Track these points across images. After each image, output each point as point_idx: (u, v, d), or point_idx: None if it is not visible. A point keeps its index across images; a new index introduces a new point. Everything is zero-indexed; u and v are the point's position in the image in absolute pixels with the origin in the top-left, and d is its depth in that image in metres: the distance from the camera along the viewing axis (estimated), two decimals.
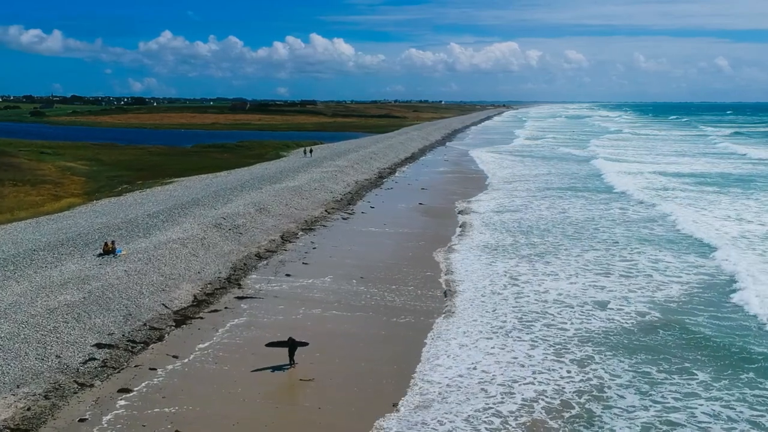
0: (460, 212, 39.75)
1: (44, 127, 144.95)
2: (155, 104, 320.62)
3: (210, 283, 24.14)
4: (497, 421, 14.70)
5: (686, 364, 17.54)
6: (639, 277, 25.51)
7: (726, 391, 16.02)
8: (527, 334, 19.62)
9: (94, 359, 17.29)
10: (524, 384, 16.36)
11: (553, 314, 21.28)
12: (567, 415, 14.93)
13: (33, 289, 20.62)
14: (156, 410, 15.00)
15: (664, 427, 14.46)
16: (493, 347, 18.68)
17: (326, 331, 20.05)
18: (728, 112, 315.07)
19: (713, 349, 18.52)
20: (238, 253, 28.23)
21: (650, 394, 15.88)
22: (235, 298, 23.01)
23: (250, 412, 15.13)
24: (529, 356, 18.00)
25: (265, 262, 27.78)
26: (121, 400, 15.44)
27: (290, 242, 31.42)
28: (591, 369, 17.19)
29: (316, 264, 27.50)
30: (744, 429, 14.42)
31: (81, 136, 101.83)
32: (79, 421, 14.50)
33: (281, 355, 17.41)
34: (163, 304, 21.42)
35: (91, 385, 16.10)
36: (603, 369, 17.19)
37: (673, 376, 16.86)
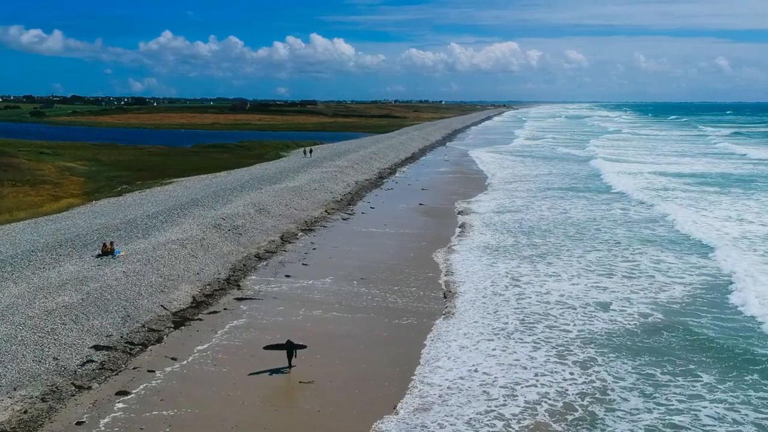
0: (460, 213, 39.60)
1: (44, 127, 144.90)
2: (155, 104, 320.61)
3: (209, 284, 23.98)
4: (500, 424, 14.53)
5: (690, 366, 17.37)
6: (641, 278, 25.36)
7: (730, 393, 15.87)
8: (529, 335, 19.46)
9: (92, 361, 17.13)
10: (527, 386, 16.19)
11: (555, 315, 21.12)
12: (570, 417, 14.76)
13: (31, 291, 20.46)
14: (154, 413, 14.85)
15: (668, 430, 14.30)
16: (494, 349, 18.52)
17: (326, 333, 19.89)
18: (728, 112, 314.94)
19: (717, 351, 18.36)
20: (237, 253, 28.07)
21: (654, 397, 15.72)
22: (235, 299, 22.85)
23: (249, 414, 14.96)
24: (532, 358, 17.84)
25: (264, 262, 27.62)
26: (119, 402, 15.28)
27: (290, 243, 31.27)
28: (594, 371, 17.03)
29: (316, 265, 27.34)
30: None
31: (81, 137, 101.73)
32: (76, 424, 14.34)
33: (280, 357, 17.24)
34: (161, 306, 21.26)
35: (89, 388, 15.94)
36: (606, 371, 17.03)
37: (677, 378, 16.69)
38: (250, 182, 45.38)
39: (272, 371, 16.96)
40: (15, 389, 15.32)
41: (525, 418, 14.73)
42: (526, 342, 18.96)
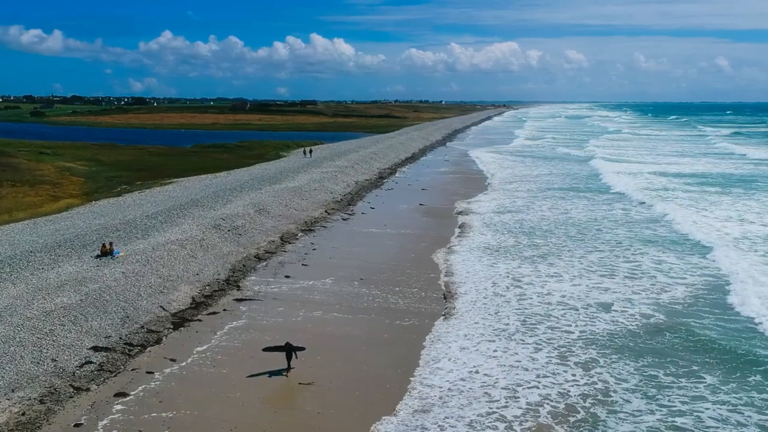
0: (461, 213, 39.48)
1: (44, 127, 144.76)
2: (155, 104, 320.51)
3: (208, 285, 23.87)
4: (502, 426, 14.42)
5: (693, 367, 17.26)
6: (643, 279, 25.23)
7: (733, 395, 15.75)
8: (531, 336, 19.34)
9: (91, 362, 17.02)
10: (528, 388, 16.08)
11: (557, 316, 21.00)
12: (573, 419, 14.65)
13: (29, 292, 20.35)
14: (153, 415, 14.74)
15: None
16: (495, 350, 18.40)
17: (326, 334, 19.78)
18: (728, 112, 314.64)
19: (719, 352, 18.24)
20: (237, 254, 27.96)
21: (657, 398, 15.61)
22: (234, 300, 22.73)
23: (248, 416, 14.85)
24: (533, 359, 17.72)
25: (264, 263, 27.51)
26: (117, 404, 15.17)
27: (290, 243, 31.15)
28: (596, 372, 16.92)
29: (315, 265, 27.23)
30: None
31: (81, 137, 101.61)
32: (74, 426, 14.23)
33: (279, 359, 17.11)
34: (160, 307, 21.15)
35: (87, 389, 15.83)
36: (608, 372, 16.92)
37: (680, 379, 16.58)
38: (249, 182, 45.26)
39: (271, 373, 16.84)
40: (13, 391, 15.22)
41: (527, 420, 14.62)
42: (528, 343, 18.84)
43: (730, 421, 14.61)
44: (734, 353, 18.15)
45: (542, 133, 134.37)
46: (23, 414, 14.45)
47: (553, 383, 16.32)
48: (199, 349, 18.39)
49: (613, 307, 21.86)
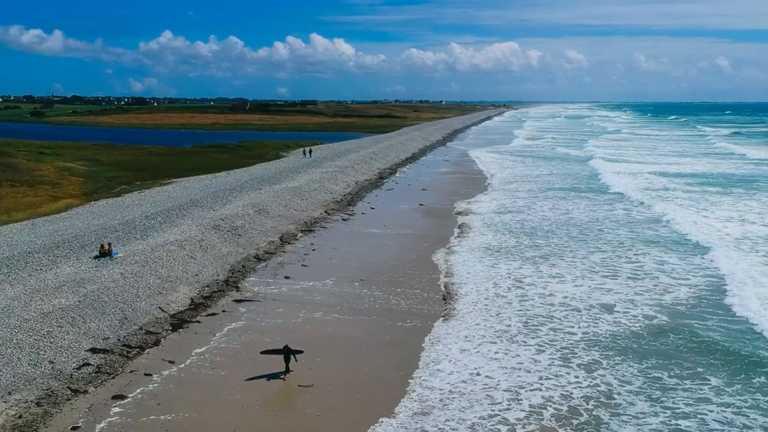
0: (461, 213, 39.32)
1: (44, 127, 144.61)
2: (156, 104, 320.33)
3: (208, 286, 23.70)
4: (504, 429, 14.25)
5: (699, 369, 17.10)
6: (645, 280, 25.07)
7: (738, 397, 15.59)
8: (533, 338, 19.18)
9: (89, 364, 16.85)
10: (531, 390, 15.91)
11: (559, 318, 20.84)
12: (575, 422, 14.49)
13: (27, 293, 20.18)
14: (151, 417, 14.58)
15: None
16: (496, 352, 18.24)
17: (326, 335, 19.61)
18: (728, 112, 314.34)
19: (723, 353, 18.08)
20: (236, 255, 27.79)
21: (661, 400, 15.45)
22: (233, 301, 22.56)
23: (247, 419, 14.70)
24: (535, 361, 17.56)
25: (263, 264, 27.35)
26: (115, 407, 15.01)
27: (289, 244, 30.99)
28: (599, 374, 16.76)
29: (315, 266, 27.07)
30: None
31: (81, 137, 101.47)
32: (71, 429, 14.07)
33: (278, 362, 16.91)
34: (159, 308, 20.98)
35: (85, 392, 15.67)
36: (612, 374, 16.77)
37: (684, 381, 16.42)
38: (249, 183, 45.11)
39: (270, 376, 16.63)
40: (10, 393, 15.05)
41: (530, 423, 14.46)
42: (530, 345, 18.67)
43: (735, 424, 14.46)
44: (738, 355, 18.00)
45: (542, 133, 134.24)
46: (20, 417, 14.29)
47: (556, 385, 16.16)
48: (197, 350, 18.23)
49: (615, 308, 21.70)
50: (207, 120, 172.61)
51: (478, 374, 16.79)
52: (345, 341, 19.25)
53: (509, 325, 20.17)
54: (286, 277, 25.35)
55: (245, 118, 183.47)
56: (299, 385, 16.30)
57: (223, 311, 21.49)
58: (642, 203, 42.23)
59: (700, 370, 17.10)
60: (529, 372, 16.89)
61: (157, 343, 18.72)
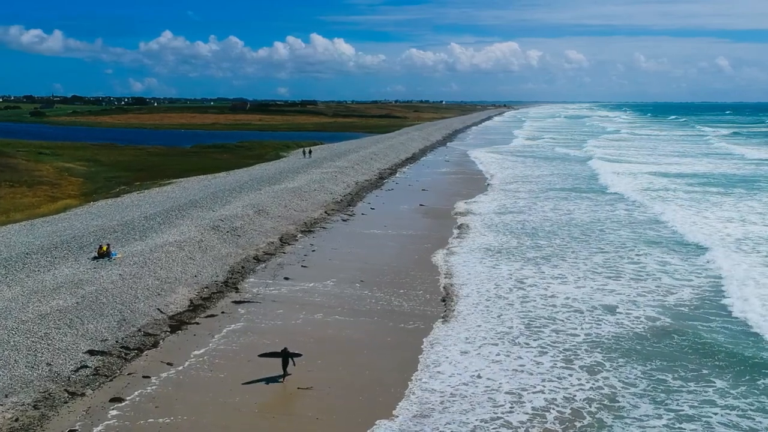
0: (462, 214, 39.16)
1: (44, 128, 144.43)
2: (156, 104, 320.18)
3: (207, 287, 23.54)
4: None
5: (704, 371, 16.94)
6: (648, 281, 24.91)
7: (743, 400, 15.43)
8: (535, 340, 19.01)
9: (86, 367, 16.69)
10: (534, 392, 15.74)
11: (562, 319, 20.67)
12: (579, 424, 14.33)
13: (25, 294, 20.03)
14: (149, 420, 14.42)
15: None
16: (498, 354, 18.08)
17: (327, 337, 19.44)
18: (727, 112, 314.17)
19: (727, 355, 17.92)
20: (235, 255, 27.63)
21: (665, 403, 15.28)
22: (233, 302, 22.39)
23: (246, 422, 14.54)
24: (538, 363, 17.39)
25: (263, 265, 27.19)
26: (113, 409, 14.85)
27: (289, 245, 30.82)
28: (602, 377, 16.60)
29: (315, 267, 26.91)
30: None
31: (80, 137, 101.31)
32: None
33: (277, 365, 16.69)
34: (158, 309, 20.82)
35: (83, 394, 15.50)
36: (615, 377, 16.60)
37: (689, 383, 16.26)
38: (249, 183, 44.96)
39: (267, 380, 16.42)
40: (6, 396, 14.89)
41: (533, 426, 14.29)
42: (532, 347, 18.51)
43: (741, 427, 14.30)
44: (741, 356, 17.85)
45: (541, 133, 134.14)
46: (17, 420, 14.13)
47: (559, 387, 15.99)
48: (196, 352, 18.06)
49: (618, 310, 21.54)
50: (207, 120, 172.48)
51: (479, 376, 16.62)
52: (345, 343, 19.08)
53: (511, 327, 20.01)
54: (286, 278, 25.19)
55: (245, 118, 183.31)
56: (298, 388, 16.14)
57: (222, 313, 21.33)
58: (643, 204, 42.06)
59: (705, 371, 16.94)
60: (532, 374, 16.72)
61: (155, 344, 18.56)
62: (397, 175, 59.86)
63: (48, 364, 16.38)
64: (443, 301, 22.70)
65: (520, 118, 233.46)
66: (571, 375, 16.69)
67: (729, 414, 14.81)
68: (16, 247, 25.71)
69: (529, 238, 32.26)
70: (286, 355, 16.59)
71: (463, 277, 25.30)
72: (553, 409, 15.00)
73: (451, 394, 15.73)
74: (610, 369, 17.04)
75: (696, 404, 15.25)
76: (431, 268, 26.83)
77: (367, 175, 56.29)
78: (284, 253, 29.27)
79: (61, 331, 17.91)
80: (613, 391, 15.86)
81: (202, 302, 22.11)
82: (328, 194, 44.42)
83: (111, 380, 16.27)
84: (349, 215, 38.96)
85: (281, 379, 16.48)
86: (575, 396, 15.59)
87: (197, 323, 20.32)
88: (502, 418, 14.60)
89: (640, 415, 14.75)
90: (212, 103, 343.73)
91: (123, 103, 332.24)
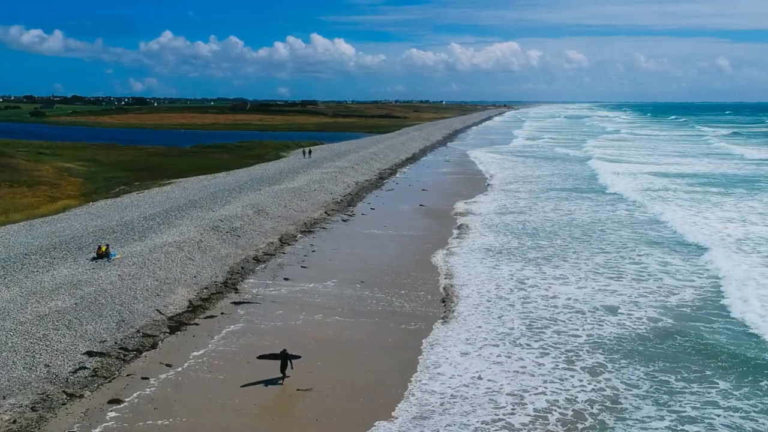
0: (462, 214, 39.05)
1: (44, 128, 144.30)
2: (156, 104, 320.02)
3: (206, 288, 23.42)
4: None
5: (707, 372, 16.84)
6: (649, 281, 24.81)
7: (746, 401, 15.32)
8: (536, 341, 18.89)
9: (85, 368, 16.57)
10: (536, 394, 15.62)
11: (563, 320, 20.54)
12: (581, 426, 14.22)
13: (23, 295, 19.92)
14: (148, 422, 14.31)
15: None
16: (499, 355, 17.96)
17: (327, 338, 19.32)
18: (727, 112, 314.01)
19: (730, 356, 17.82)
20: (235, 256, 27.52)
21: (668, 404, 15.18)
22: (232, 303, 22.28)
23: (245, 424, 14.43)
24: (539, 364, 17.27)
25: (263, 265, 27.07)
26: (111, 411, 14.73)
27: (289, 245, 30.71)
28: (605, 378, 16.48)
29: (315, 267, 26.80)
30: None
31: (80, 137, 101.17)
32: None
33: (277, 366, 16.54)
34: (157, 310, 20.71)
35: (81, 396, 15.40)
36: (617, 378, 16.49)
37: (692, 384, 16.16)
38: (249, 183, 44.86)
39: (266, 382, 16.27)
40: (4, 398, 14.78)
41: (536, 428, 14.18)
42: (533, 348, 18.40)
43: (744, 429, 14.19)
44: (744, 357, 17.74)
45: (541, 133, 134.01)
46: (14, 422, 14.02)
47: (561, 389, 15.88)
48: (195, 353, 17.95)
49: (620, 311, 21.43)
50: (207, 120, 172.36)
51: (480, 378, 16.51)
52: (346, 344, 18.97)
53: (512, 328, 19.89)
54: (286, 279, 25.07)
55: (245, 118, 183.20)
56: (298, 389, 16.02)
57: (222, 313, 21.22)
58: (644, 204, 41.94)
59: (708, 373, 16.83)
60: (533, 375, 16.61)
61: (154, 346, 18.45)
62: (397, 175, 59.75)
63: (46, 366, 16.27)
64: (443, 302, 22.58)
65: (520, 118, 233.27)
66: (572, 376, 16.58)
67: (732, 416, 14.71)
68: (15, 248, 25.60)
69: (530, 238, 32.15)
70: (285, 357, 16.45)
71: (463, 278, 25.19)
72: (555, 410, 14.88)
73: (451, 395, 15.62)
74: (612, 370, 16.94)
75: (699, 405, 15.14)
76: (432, 269, 26.71)
77: (367, 175, 56.18)
78: (284, 253, 29.16)
79: (59, 332, 17.80)
80: (615, 392, 15.75)
81: (201, 303, 22.00)
82: (328, 194, 44.31)
83: (109, 382, 16.15)
84: (349, 215, 38.85)
85: (280, 382, 16.35)
86: (577, 397, 15.48)
87: (196, 324, 20.21)
88: (503, 419, 14.49)
89: (643, 417, 14.65)
90: (212, 103, 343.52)
91: (123, 103, 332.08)
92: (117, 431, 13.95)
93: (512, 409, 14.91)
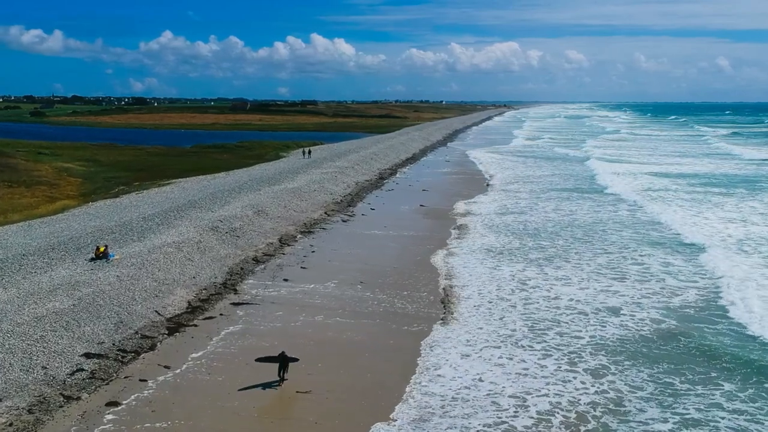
0: (463, 214, 38.89)
1: (44, 128, 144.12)
2: (156, 104, 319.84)
3: (205, 289, 23.25)
4: None
5: (713, 374, 16.68)
6: (652, 282, 24.64)
7: (751, 404, 15.15)
8: (538, 343, 18.72)
9: (82, 370, 16.41)
10: (538, 396, 15.45)
11: (566, 321, 20.38)
12: (583, 428, 14.05)
13: (20, 296, 19.76)
14: (146, 425, 14.14)
15: None
16: (500, 357, 17.80)
17: (327, 340, 19.14)
18: (727, 112, 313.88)
19: (733, 358, 17.66)
20: (234, 257, 27.35)
21: (672, 407, 15.02)
22: (231, 304, 22.10)
23: (244, 426, 14.27)
24: (542, 366, 17.10)
25: (262, 266, 26.90)
26: (108, 414, 14.56)
27: (288, 245, 30.54)
28: (608, 380, 16.31)
29: (315, 268, 26.62)
30: None
31: (80, 137, 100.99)
32: None
33: (276, 369, 16.37)
34: (155, 311, 20.54)
35: (78, 398, 15.23)
36: (620, 380, 16.33)
37: (696, 386, 16.00)
38: (248, 183, 44.70)
39: (264, 386, 16.05)
40: (1, 400, 14.63)
41: (540, 431, 14.01)
42: (536, 349, 18.23)
43: (749, 431, 14.02)
44: (747, 359, 17.59)
45: (541, 133, 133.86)
46: (11, 425, 13.86)
47: (564, 391, 15.71)
48: (194, 355, 17.78)
49: (622, 312, 21.27)
50: (207, 120, 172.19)
51: (481, 380, 16.34)
52: (346, 345, 18.79)
53: (514, 329, 19.73)
54: (285, 280, 24.90)
55: (245, 118, 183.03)
56: (297, 392, 15.85)
57: (221, 315, 21.05)
58: (645, 204, 41.76)
59: (713, 374, 16.67)
60: (536, 377, 16.45)
61: (152, 347, 18.28)
62: (397, 175, 59.60)
63: (43, 368, 16.11)
64: (442, 302, 22.39)
65: (519, 118, 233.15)
66: (575, 378, 16.42)
67: (737, 418, 14.55)
68: (13, 249, 25.43)
69: (531, 238, 31.99)
70: (283, 360, 16.26)
71: (464, 279, 25.02)
72: (558, 413, 14.72)
73: (452, 397, 15.46)
74: (615, 372, 16.78)
75: (703, 408, 14.99)
76: (433, 270, 26.54)
77: (368, 176, 56.03)
78: (283, 254, 28.99)
79: (57, 334, 17.64)
80: (619, 394, 15.59)
81: (200, 304, 21.82)
82: (328, 195, 44.15)
83: (107, 384, 15.98)
84: (349, 216, 38.69)
85: (277, 386, 16.11)
86: (580, 400, 15.32)
87: (195, 325, 20.03)
88: (506, 422, 14.32)
89: (646, 419, 14.50)
90: (212, 103, 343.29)
91: (123, 103, 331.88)
92: None
93: (515, 412, 14.74)
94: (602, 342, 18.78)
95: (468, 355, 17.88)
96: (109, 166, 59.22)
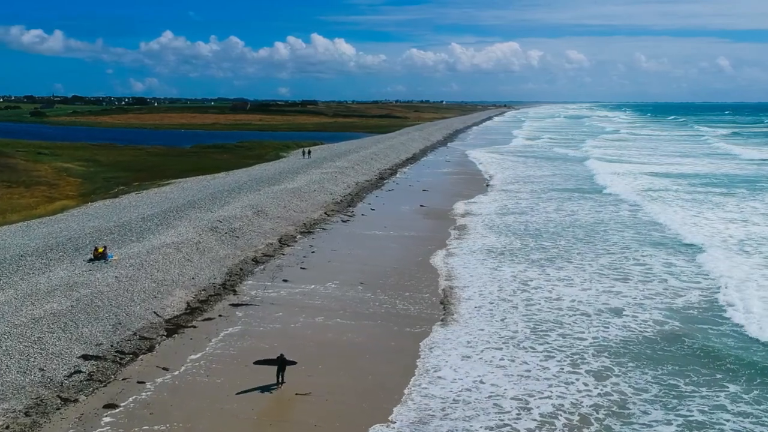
0: (463, 215, 38.73)
1: (44, 128, 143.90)
2: (156, 104, 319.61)
3: (204, 290, 23.08)
4: None
5: (718, 375, 16.52)
6: (654, 282, 24.49)
7: (756, 406, 14.99)
8: (540, 344, 18.55)
9: (80, 372, 16.25)
10: (541, 398, 15.28)
11: (569, 323, 20.21)
12: (587, 431, 13.92)
13: (18, 297, 19.60)
14: (144, 428, 13.99)
15: None
16: (502, 358, 17.63)
17: (327, 341, 18.97)
18: (727, 112, 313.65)
19: (735, 359, 17.51)
20: (234, 257, 27.18)
21: (677, 409, 14.86)
22: (230, 305, 21.93)
23: (243, 429, 14.12)
24: (544, 368, 16.94)
25: (262, 267, 26.74)
26: (106, 416, 14.41)
27: (288, 246, 30.37)
28: (611, 382, 16.16)
29: (315, 269, 26.46)
30: None
31: (80, 137, 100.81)
32: None
33: (275, 371, 16.21)
34: (154, 312, 20.37)
35: (76, 401, 15.07)
36: (624, 382, 16.18)
37: (701, 388, 15.84)
38: (248, 183, 44.54)
39: (262, 389, 15.85)
40: None
41: None
42: (538, 351, 18.05)
43: None
44: (751, 360, 17.46)
45: (541, 133, 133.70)
46: (7, 427, 13.70)
47: (566, 393, 15.54)
48: (193, 357, 17.61)
49: (625, 313, 21.12)
50: (207, 120, 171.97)
51: (482, 382, 16.17)
52: (347, 347, 18.63)
53: (516, 331, 19.56)
54: (285, 281, 24.73)
55: (245, 118, 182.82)
56: (296, 394, 15.68)
57: (220, 316, 20.88)
58: (646, 204, 41.60)
59: (719, 376, 16.52)
60: (538, 379, 16.28)
61: (151, 349, 18.11)
62: (397, 175, 59.43)
63: (41, 370, 15.95)
64: (442, 303, 22.23)
65: (520, 118, 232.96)
66: (578, 380, 16.26)
67: (742, 421, 14.39)
68: (11, 249, 25.26)
69: (532, 239, 31.84)
70: (282, 362, 16.06)
71: (465, 280, 24.86)
72: (561, 415, 14.56)
73: (453, 399, 15.29)
74: (619, 374, 16.62)
75: (708, 410, 14.84)
76: (434, 270, 26.37)
77: (368, 176, 55.86)
78: (283, 254, 28.82)
79: (54, 335, 17.47)
80: (622, 396, 15.44)
81: (199, 305, 21.65)
82: (328, 195, 43.99)
83: (105, 386, 15.82)
84: (349, 216, 38.52)
85: (276, 387, 15.90)
86: (583, 402, 15.16)
87: (194, 327, 19.86)
88: (509, 425, 14.15)
89: (650, 421, 14.35)
90: (213, 103, 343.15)
91: (123, 103, 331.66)
92: None
93: (517, 414, 14.58)
94: (605, 343, 18.63)
95: (469, 357, 17.71)
96: (109, 166, 59.05)
